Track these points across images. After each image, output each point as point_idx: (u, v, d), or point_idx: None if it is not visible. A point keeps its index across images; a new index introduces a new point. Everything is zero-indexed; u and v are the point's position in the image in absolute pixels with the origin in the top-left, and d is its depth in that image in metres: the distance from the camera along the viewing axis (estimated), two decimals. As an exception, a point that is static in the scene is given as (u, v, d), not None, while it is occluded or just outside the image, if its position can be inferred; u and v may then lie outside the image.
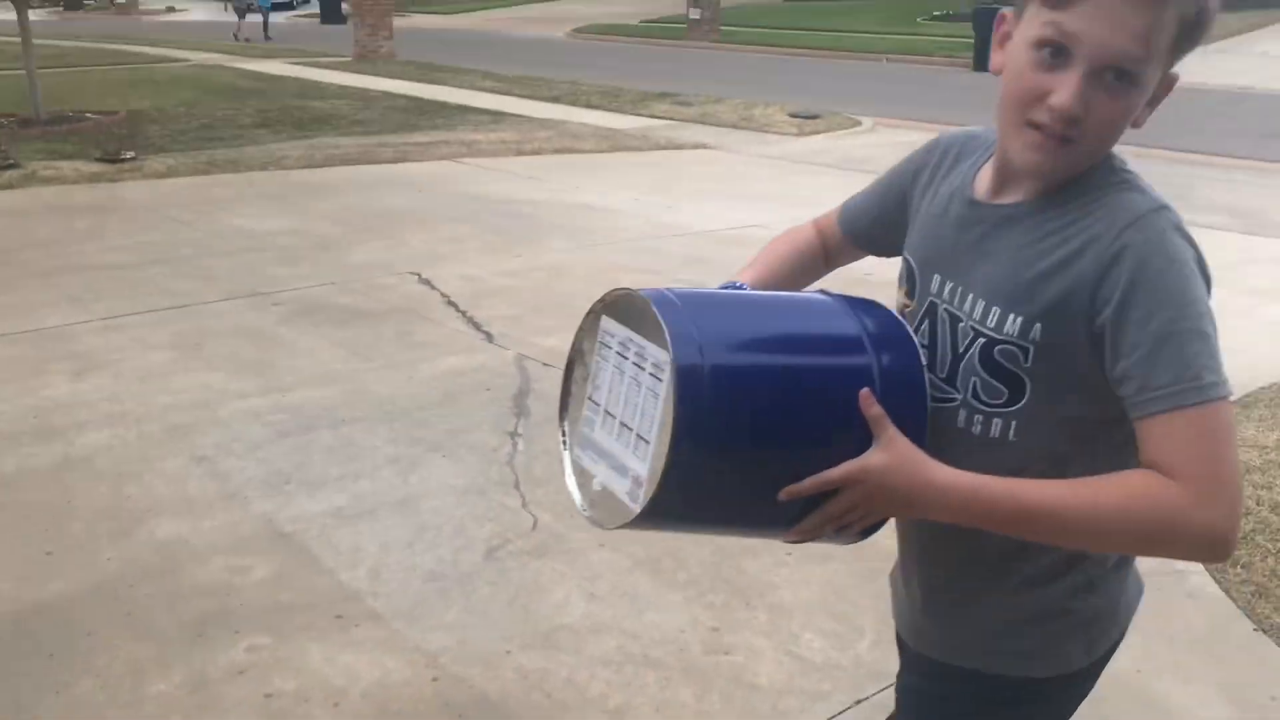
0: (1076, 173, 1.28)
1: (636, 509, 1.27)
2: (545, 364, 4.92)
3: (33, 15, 12.37)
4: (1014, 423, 1.32)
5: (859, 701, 2.68)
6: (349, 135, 12.01)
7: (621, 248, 7.29)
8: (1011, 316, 1.28)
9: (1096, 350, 1.23)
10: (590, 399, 1.42)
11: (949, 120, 14.39)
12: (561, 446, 1.46)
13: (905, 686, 1.65)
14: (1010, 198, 1.34)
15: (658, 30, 30.02)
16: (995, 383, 1.32)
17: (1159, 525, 1.17)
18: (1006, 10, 1.30)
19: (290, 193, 8.95)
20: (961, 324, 1.35)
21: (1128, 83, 1.20)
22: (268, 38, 26.70)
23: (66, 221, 7.87)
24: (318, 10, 33.70)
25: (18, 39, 12.43)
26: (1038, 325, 1.26)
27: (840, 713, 2.64)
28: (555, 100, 15.49)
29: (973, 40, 20.34)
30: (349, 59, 20.82)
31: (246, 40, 25.89)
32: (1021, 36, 1.25)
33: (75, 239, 7.35)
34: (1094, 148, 1.25)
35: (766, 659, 2.86)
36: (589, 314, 1.42)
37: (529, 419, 4.40)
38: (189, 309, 5.82)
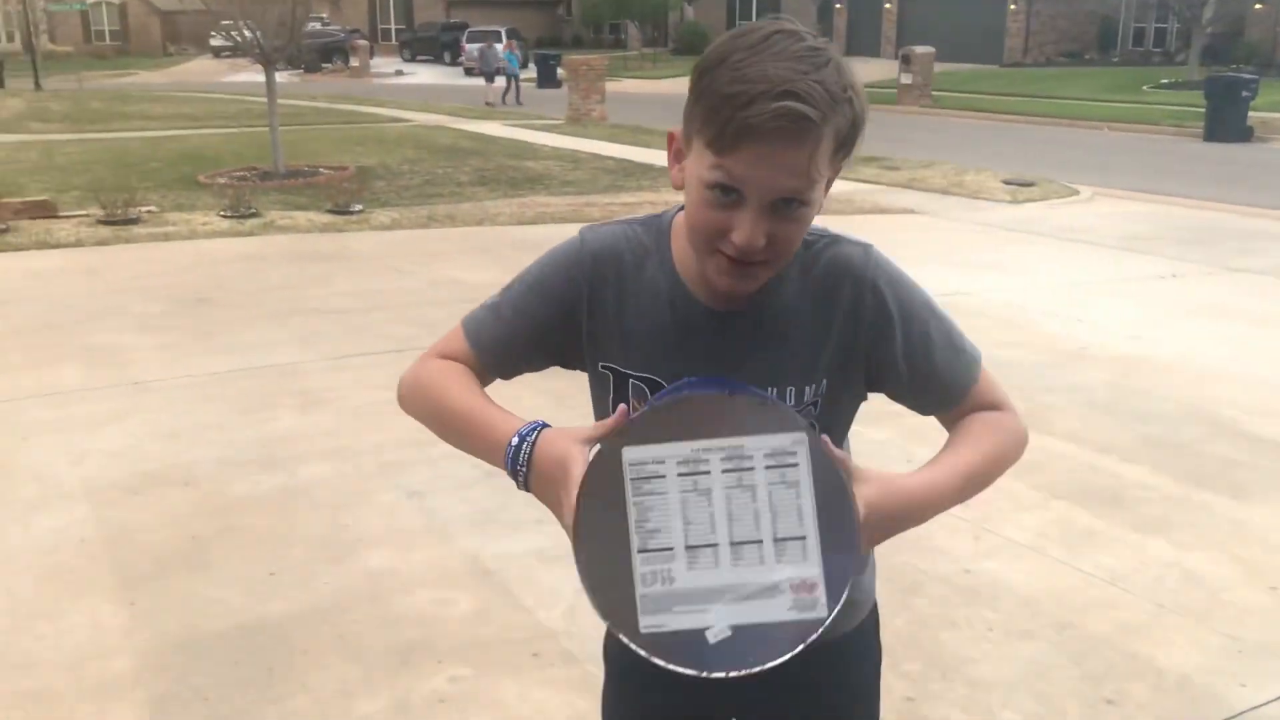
0: (774, 275, 1.36)
1: (829, 608, 1.17)
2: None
3: (277, 77, 13.33)
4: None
5: (1062, 787, 2.56)
6: (559, 194, 12.42)
7: (823, 310, 7.25)
8: (808, 390, 1.42)
9: (880, 375, 1.44)
10: (646, 551, 1.18)
11: (1176, 191, 13.75)
12: (629, 642, 1.18)
13: (799, 688, 1.51)
14: (735, 297, 1.38)
15: (869, 95, 29.86)
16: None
17: (1015, 440, 1.46)
18: (674, 129, 1.35)
19: (501, 247, 9.32)
20: None
21: (798, 205, 1.28)
22: (519, 102, 27.36)
23: (299, 267, 8.42)
24: (534, 75, 35.11)
25: (264, 99, 13.43)
26: (824, 382, 1.43)
27: (1041, 797, 2.53)
28: (761, 163, 15.60)
29: (1204, 109, 19.49)
30: (562, 121, 21.58)
31: (489, 104, 26.74)
32: (695, 172, 1.30)
33: (306, 284, 7.85)
34: (784, 259, 1.33)
35: (963, 734, 2.77)
36: (595, 465, 1.21)
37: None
38: (405, 353, 6.09)
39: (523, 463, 1.32)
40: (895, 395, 1.47)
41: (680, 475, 1.18)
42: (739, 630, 1.16)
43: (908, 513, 1.31)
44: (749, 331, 1.41)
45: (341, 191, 11.19)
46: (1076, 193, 13.30)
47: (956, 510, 4.19)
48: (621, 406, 1.30)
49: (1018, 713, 2.86)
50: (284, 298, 7.40)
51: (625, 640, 1.18)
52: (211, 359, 5.94)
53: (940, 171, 14.54)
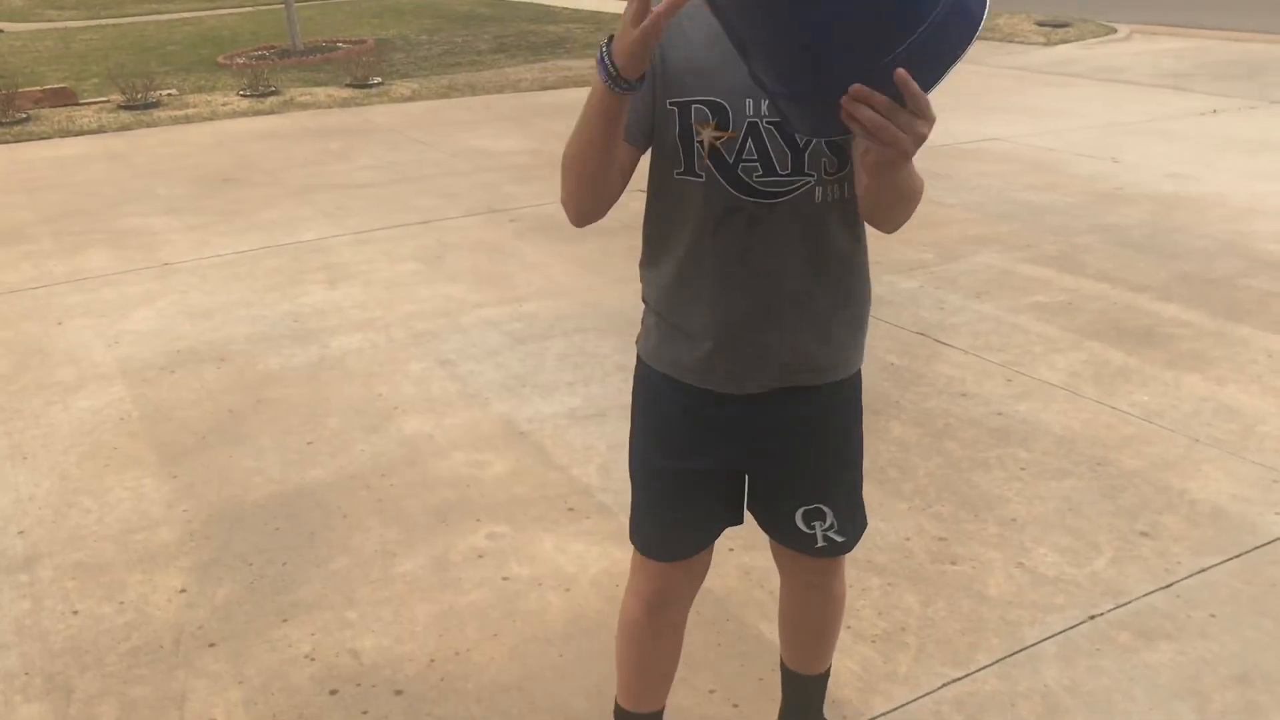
0: None
1: None
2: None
3: (290, -50, 13.02)
4: (847, 183, 1.67)
5: (1093, 617, 2.59)
6: (581, 58, 12.17)
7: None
8: None
9: None
10: None
11: (1216, 25, 13.27)
12: None
13: (794, 420, 1.81)
14: None
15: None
16: (835, 157, 1.63)
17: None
18: None
19: (525, 114, 9.18)
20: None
21: None
22: None
23: (321, 143, 8.34)
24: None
25: (276, -27, 13.13)
26: None
27: (1073, 627, 2.55)
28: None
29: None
30: (582, -17, 21.01)
31: None
32: None
33: (329, 159, 7.79)
34: None
35: (996, 570, 2.79)
36: None
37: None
38: (432, 224, 6.09)
39: (606, 59, 1.46)
40: None
41: None
42: None
43: None
44: None
45: (360, 65, 11.01)
46: (1114, 31, 12.87)
47: (988, 355, 4.17)
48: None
49: (1051, 549, 2.88)
50: (307, 174, 7.36)
51: None
52: (238, 238, 5.94)
53: (972, 15, 14.07)
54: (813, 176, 1.63)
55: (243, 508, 3.24)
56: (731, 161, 1.61)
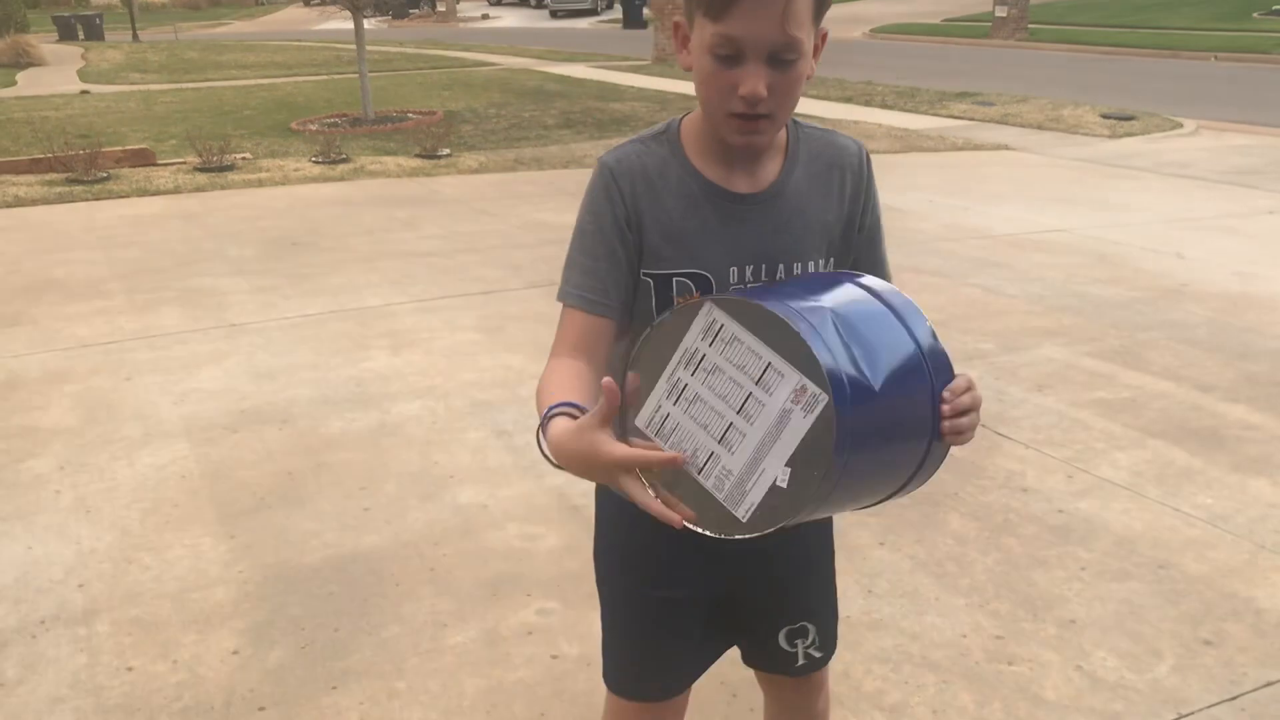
0: (779, 132, 1.57)
1: (826, 389, 1.28)
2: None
3: (366, 24, 13.41)
4: None
5: (1155, 727, 2.52)
6: (646, 134, 12.32)
7: (912, 249, 7.14)
8: (819, 264, 1.62)
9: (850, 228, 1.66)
10: (700, 469, 1.36)
11: (1284, 122, 13.09)
12: (745, 535, 1.34)
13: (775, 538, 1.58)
14: (757, 182, 1.58)
15: (961, 29, 29.16)
16: None
17: None
18: (679, 18, 1.52)
19: (589, 188, 9.30)
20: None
21: (792, 57, 1.45)
22: None
23: (389, 211, 8.51)
24: (619, 16, 34.78)
25: (353, 46, 13.53)
26: (831, 260, 1.64)
27: (1133, 736, 2.49)
28: (848, 100, 15.34)
29: (1316, 36, 18.61)
30: (648, 62, 21.40)
31: None
32: (699, 43, 1.47)
33: (396, 227, 7.94)
34: (785, 111, 1.51)
35: (1053, 673, 2.74)
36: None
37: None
38: (494, 295, 6.17)
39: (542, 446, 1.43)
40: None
41: (674, 403, 1.37)
42: (792, 460, 1.30)
43: None
44: (780, 210, 1.59)
45: (429, 136, 11.26)
46: (1180, 125, 12.84)
47: (1049, 450, 4.12)
48: (606, 384, 1.32)
49: (1111, 652, 2.82)
50: (374, 241, 7.50)
51: (741, 536, 1.33)
52: (305, 301, 6.05)
53: (1036, 106, 14.14)
54: None
55: (298, 571, 3.27)
56: None
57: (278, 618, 3.02)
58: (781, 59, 1.44)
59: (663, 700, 1.78)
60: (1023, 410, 4.44)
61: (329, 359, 5.10)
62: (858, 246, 1.68)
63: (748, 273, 1.57)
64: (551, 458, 1.40)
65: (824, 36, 1.52)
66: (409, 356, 5.14)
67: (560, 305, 1.59)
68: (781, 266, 1.58)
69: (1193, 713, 2.57)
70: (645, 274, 1.57)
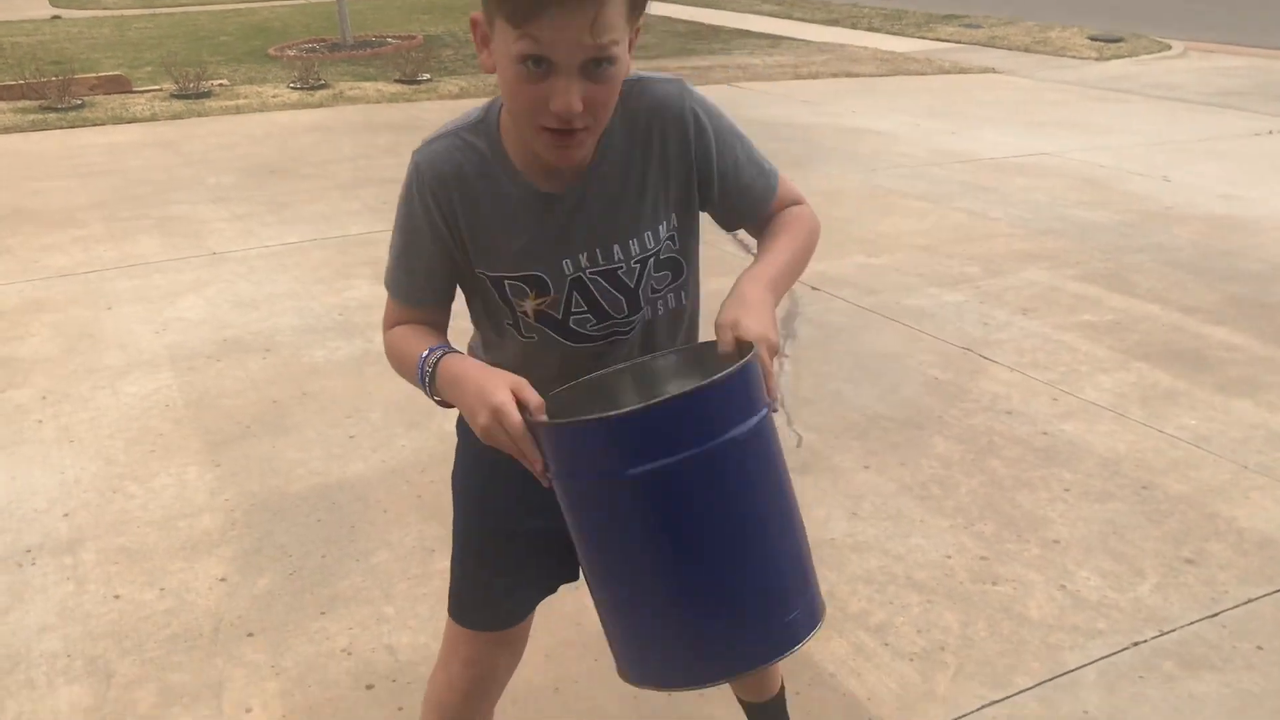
0: (601, 133, 1.42)
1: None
2: (813, 287, 4.87)
3: (343, -56, 13.13)
4: (685, 287, 1.60)
5: (1136, 644, 2.55)
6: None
7: (898, 173, 7.09)
8: (661, 228, 1.52)
9: (701, 191, 1.54)
10: None
11: (1276, 44, 13.09)
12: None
13: None
14: (575, 174, 1.46)
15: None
16: (666, 273, 1.56)
17: (814, 226, 1.61)
18: (476, 14, 1.37)
19: (572, 114, 9.18)
20: (621, 270, 1.51)
21: (607, 64, 1.31)
22: None
23: (369, 138, 8.40)
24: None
25: (330, -33, 13.25)
26: (674, 216, 1.53)
27: (1116, 653, 2.52)
28: (834, 23, 15.14)
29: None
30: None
31: None
32: (503, 50, 1.32)
33: (377, 154, 7.84)
34: (603, 121, 1.38)
35: (1037, 592, 2.76)
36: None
37: (795, 341, 4.39)
38: (477, 221, 6.10)
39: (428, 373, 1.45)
40: (710, 210, 1.58)
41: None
42: None
43: (770, 309, 1.43)
44: (598, 196, 1.48)
45: (409, 61, 11.07)
46: (1168, 47, 12.73)
47: (1033, 372, 4.14)
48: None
49: (1094, 572, 2.84)
50: (355, 168, 7.41)
51: None
52: (285, 229, 5.99)
53: (1023, 29, 13.98)
54: (652, 305, 1.57)
55: (285, 498, 3.26)
56: (561, 318, 1.53)
57: (265, 545, 3.02)
58: (595, 67, 1.30)
59: (504, 629, 1.72)
60: (1007, 334, 4.44)
61: (311, 287, 5.06)
62: (729, 199, 1.56)
63: (582, 260, 1.49)
64: (439, 386, 1.42)
65: (638, 33, 1.38)
66: (392, 284, 5.10)
67: None
68: (617, 247, 1.50)
69: (1175, 629, 2.60)
70: (479, 272, 1.51)
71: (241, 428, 3.71)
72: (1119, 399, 3.86)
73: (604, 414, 1.25)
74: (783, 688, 2.10)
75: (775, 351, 1.35)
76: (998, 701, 2.37)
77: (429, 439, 3.62)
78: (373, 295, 4.94)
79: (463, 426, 1.73)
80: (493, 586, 1.71)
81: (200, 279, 5.18)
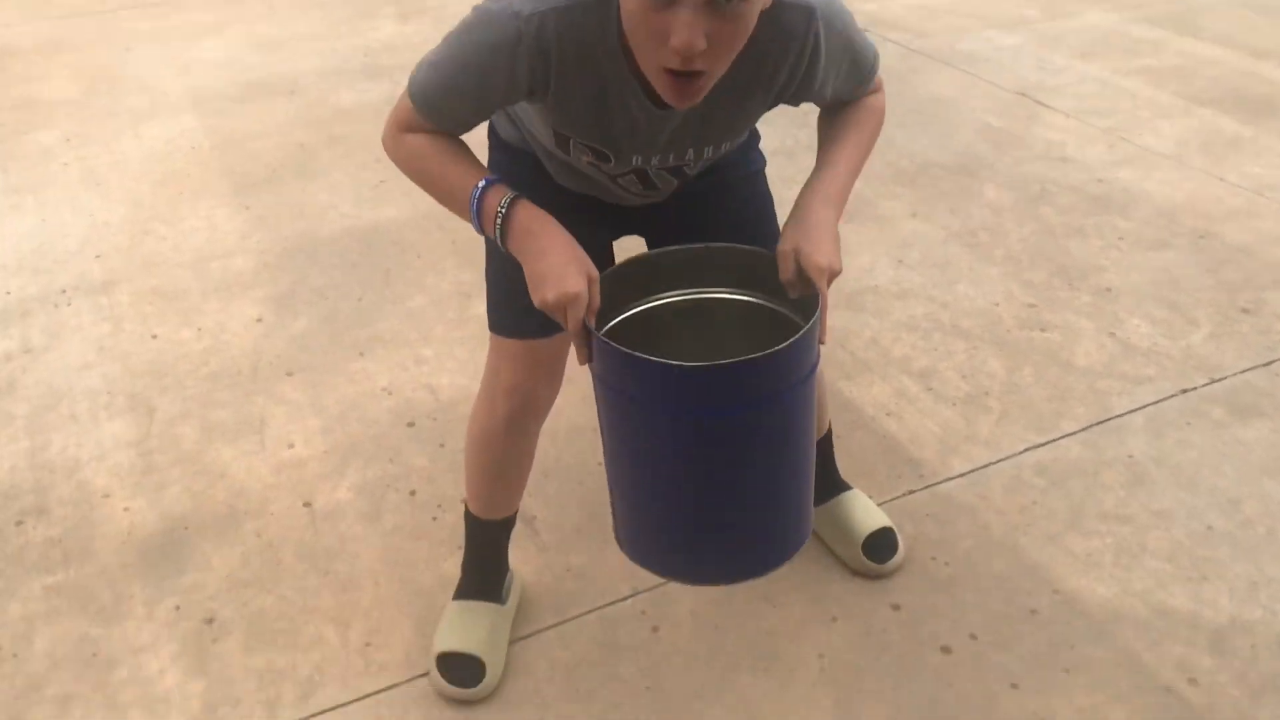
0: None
1: None
2: (863, 29, 4.62)
3: None
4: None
5: (1185, 391, 2.50)
6: None
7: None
8: (742, 136, 1.52)
9: (791, 101, 1.47)
10: None
11: None
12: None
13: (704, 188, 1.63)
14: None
15: None
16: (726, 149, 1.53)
17: (883, 118, 1.58)
18: None
19: None
20: (687, 166, 1.49)
21: (738, 1, 1.17)
22: None
23: None
24: None
25: None
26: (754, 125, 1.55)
27: (1164, 399, 2.47)
28: None
29: None
30: None
31: None
32: None
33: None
34: (725, 64, 1.25)
35: (1086, 339, 2.70)
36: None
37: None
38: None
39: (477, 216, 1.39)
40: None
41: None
42: None
43: (834, 223, 1.41)
44: (697, 115, 1.40)
45: None
46: None
47: (1091, 119, 3.95)
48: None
49: (1146, 320, 2.77)
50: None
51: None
52: (306, -32, 5.71)
53: None
54: (694, 163, 1.52)
55: (317, 242, 3.21)
56: (610, 176, 1.50)
57: (299, 288, 2.99)
58: (726, 4, 1.16)
59: (547, 336, 1.63)
60: (1065, 78, 4.22)
61: (335, 28, 4.85)
62: (815, 101, 1.52)
63: (654, 161, 1.46)
64: (511, 231, 1.35)
65: None
66: (418, 25, 4.88)
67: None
68: (692, 151, 1.46)
69: (1225, 377, 2.55)
70: (547, 117, 1.42)
71: (269, 171, 3.62)
72: (1180, 146, 3.69)
73: (670, 362, 1.23)
74: (830, 430, 2.07)
75: (837, 275, 1.36)
76: (1041, 445, 2.34)
77: (462, 183, 3.52)
78: (399, 36, 4.74)
79: (495, 138, 1.67)
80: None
81: (220, 20, 4.97)
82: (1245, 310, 2.80)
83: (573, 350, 1.36)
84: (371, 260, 3.11)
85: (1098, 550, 2.05)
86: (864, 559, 1.99)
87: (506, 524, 1.88)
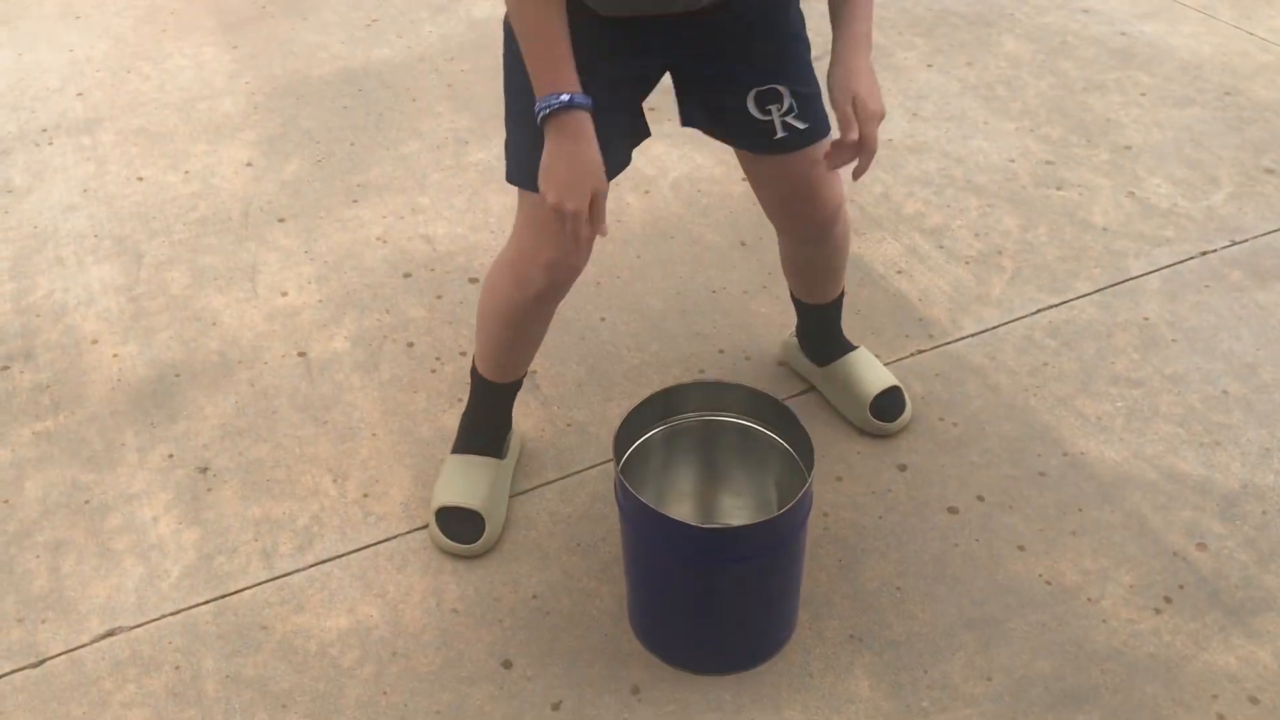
0: None
1: None
2: None
3: None
4: None
5: (1204, 253, 2.43)
6: None
7: None
8: None
9: None
10: None
11: None
12: None
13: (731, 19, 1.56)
14: None
15: None
16: None
17: None
18: None
19: None
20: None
21: None
22: None
23: None
24: None
25: None
26: None
27: (1182, 261, 2.41)
28: None
29: None
30: None
31: None
32: None
33: None
34: None
35: (1104, 198, 2.62)
36: None
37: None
38: None
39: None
40: None
41: None
42: None
43: (873, 73, 1.46)
44: None
45: None
46: None
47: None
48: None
49: (1166, 179, 2.68)
50: None
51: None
52: None
53: None
54: None
55: (308, 83, 3.08)
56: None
57: (290, 130, 2.88)
58: None
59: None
60: (1091, -75, 4.02)
61: None
62: None
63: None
64: (551, 123, 1.37)
65: None
66: None
67: None
68: None
69: (1247, 239, 2.47)
70: None
71: (257, 8, 3.46)
72: (1208, -1, 3.54)
73: (688, 523, 1.47)
74: (843, 293, 2.00)
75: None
76: (1054, 306, 2.29)
77: (457, 25, 3.38)
78: None
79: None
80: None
81: None
82: (1269, 170, 2.71)
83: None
84: (364, 103, 2.99)
85: (1109, 414, 2.01)
86: (871, 418, 1.95)
87: (517, 385, 1.83)
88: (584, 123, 1.38)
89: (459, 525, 1.74)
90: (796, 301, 2.01)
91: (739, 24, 1.54)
